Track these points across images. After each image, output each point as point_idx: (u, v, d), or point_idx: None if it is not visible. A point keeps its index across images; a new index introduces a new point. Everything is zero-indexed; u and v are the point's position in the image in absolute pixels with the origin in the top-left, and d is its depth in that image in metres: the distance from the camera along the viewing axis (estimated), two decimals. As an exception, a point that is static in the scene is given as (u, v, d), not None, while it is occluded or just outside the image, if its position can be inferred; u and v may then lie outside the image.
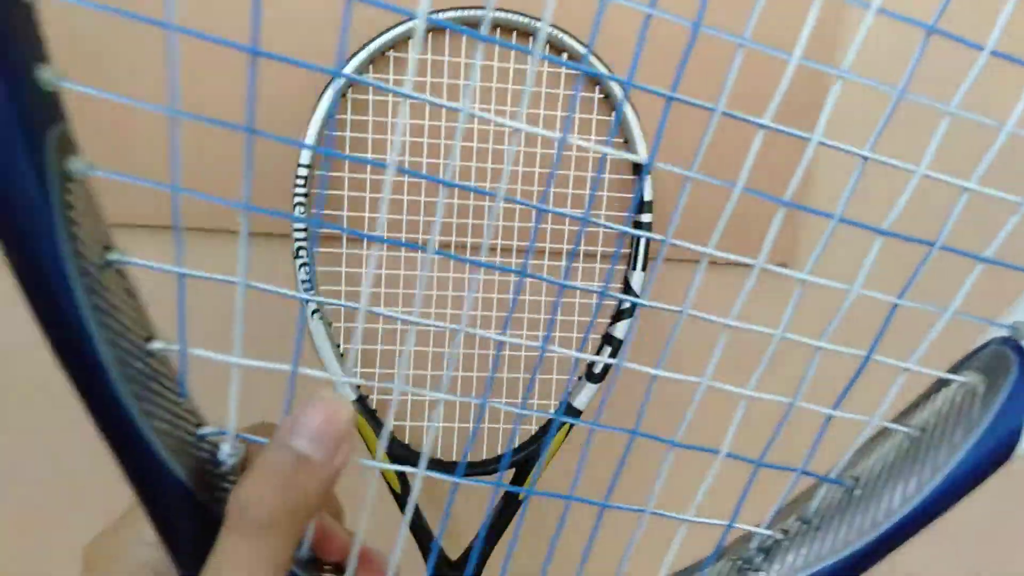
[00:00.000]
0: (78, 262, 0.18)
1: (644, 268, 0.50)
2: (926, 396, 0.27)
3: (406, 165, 0.49)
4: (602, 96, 0.50)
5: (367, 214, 0.50)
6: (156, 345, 0.21)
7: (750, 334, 0.23)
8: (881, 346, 0.24)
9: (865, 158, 0.22)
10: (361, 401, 0.48)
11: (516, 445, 0.50)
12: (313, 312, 0.47)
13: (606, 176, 0.51)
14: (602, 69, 0.48)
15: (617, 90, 0.48)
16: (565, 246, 0.52)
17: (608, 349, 0.50)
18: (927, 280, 0.24)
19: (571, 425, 0.49)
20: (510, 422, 0.52)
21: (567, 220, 0.51)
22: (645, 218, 0.49)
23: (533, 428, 0.51)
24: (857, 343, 0.24)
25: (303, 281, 0.46)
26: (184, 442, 0.21)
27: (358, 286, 0.49)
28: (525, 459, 0.50)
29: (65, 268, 0.18)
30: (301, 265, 0.46)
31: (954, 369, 0.26)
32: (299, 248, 0.46)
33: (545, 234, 0.52)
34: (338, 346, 0.48)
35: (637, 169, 0.50)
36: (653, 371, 0.24)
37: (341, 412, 0.22)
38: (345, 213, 0.49)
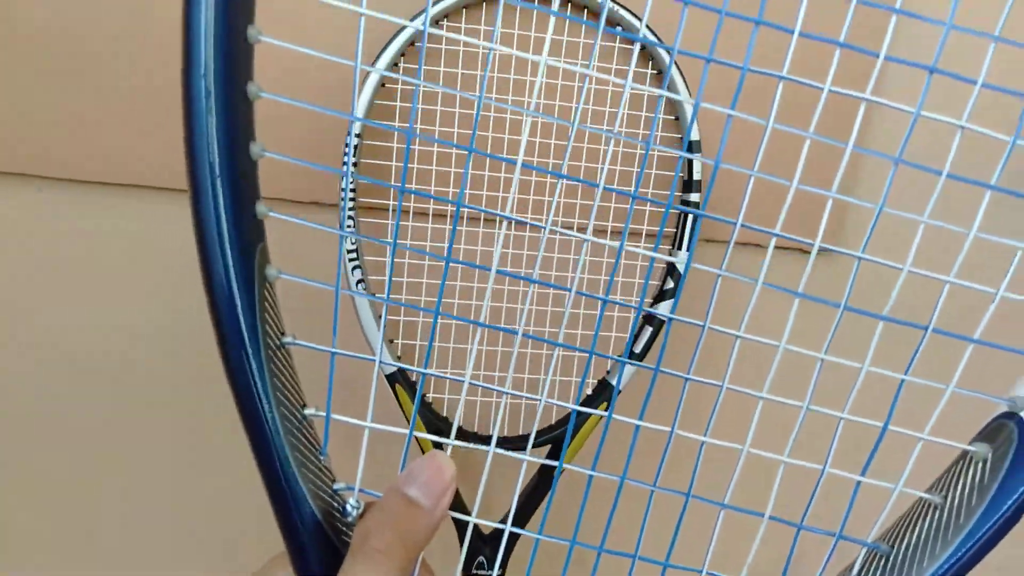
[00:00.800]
0: (266, 345, 0.25)
1: (689, 248, 0.49)
2: (954, 464, 0.30)
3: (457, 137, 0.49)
4: (655, 72, 0.49)
5: (417, 185, 0.50)
6: (308, 411, 0.27)
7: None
8: (904, 413, 0.28)
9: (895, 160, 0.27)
10: (402, 373, 0.48)
11: (552, 423, 0.50)
12: (358, 283, 0.47)
13: (655, 152, 0.50)
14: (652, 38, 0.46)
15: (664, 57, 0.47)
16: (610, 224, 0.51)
17: (649, 330, 0.50)
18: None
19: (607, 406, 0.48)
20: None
21: (614, 197, 0.51)
22: (693, 197, 0.49)
23: (569, 407, 0.51)
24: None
25: (349, 251, 0.47)
26: (321, 491, 0.27)
27: (403, 258, 0.50)
28: (561, 436, 0.49)
29: (259, 350, 0.25)
30: (346, 237, 0.46)
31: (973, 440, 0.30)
32: (348, 218, 0.47)
33: (595, 211, 0.51)
34: (380, 317, 0.47)
35: (687, 148, 0.49)
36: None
37: (446, 470, 0.27)
38: (393, 184, 0.48)
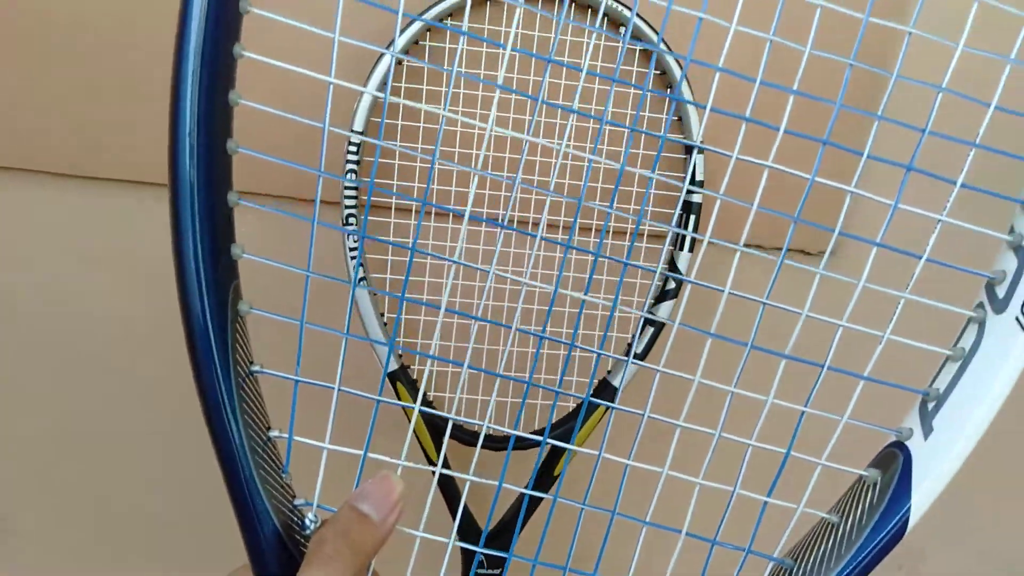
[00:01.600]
0: (236, 374, 0.28)
1: (692, 249, 0.51)
2: (851, 487, 0.34)
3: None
4: (659, 72, 0.50)
5: (415, 183, 0.51)
6: (272, 433, 0.30)
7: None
8: (817, 441, 0.32)
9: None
10: (403, 370, 0.50)
11: (553, 421, 0.50)
12: (360, 280, 0.48)
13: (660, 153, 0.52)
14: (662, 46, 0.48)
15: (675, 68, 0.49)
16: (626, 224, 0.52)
17: (650, 330, 0.51)
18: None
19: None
20: (548, 398, 0.53)
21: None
22: (696, 197, 0.50)
23: (571, 405, 0.52)
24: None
25: (351, 249, 0.48)
26: (283, 506, 0.30)
27: (404, 256, 0.48)
28: (562, 436, 0.50)
29: (230, 378, 0.28)
30: (350, 233, 0.48)
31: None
32: (348, 216, 0.48)
33: (595, 212, 0.53)
34: (382, 315, 0.50)
35: (689, 149, 0.51)
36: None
37: (395, 489, 0.30)
38: (395, 182, 0.50)
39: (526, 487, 0.33)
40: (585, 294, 0.32)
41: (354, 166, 0.48)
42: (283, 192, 0.53)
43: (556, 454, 0.50)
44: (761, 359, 0.31)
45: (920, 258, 0.31)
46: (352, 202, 0.49)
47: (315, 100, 0.29)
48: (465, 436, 0.48)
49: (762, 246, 0.50)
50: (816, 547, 0.33)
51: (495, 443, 0.48)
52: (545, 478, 0.51)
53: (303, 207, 0.54)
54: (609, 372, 0.53)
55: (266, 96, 0.27)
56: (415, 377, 0.52)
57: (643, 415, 0.32)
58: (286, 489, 0.30)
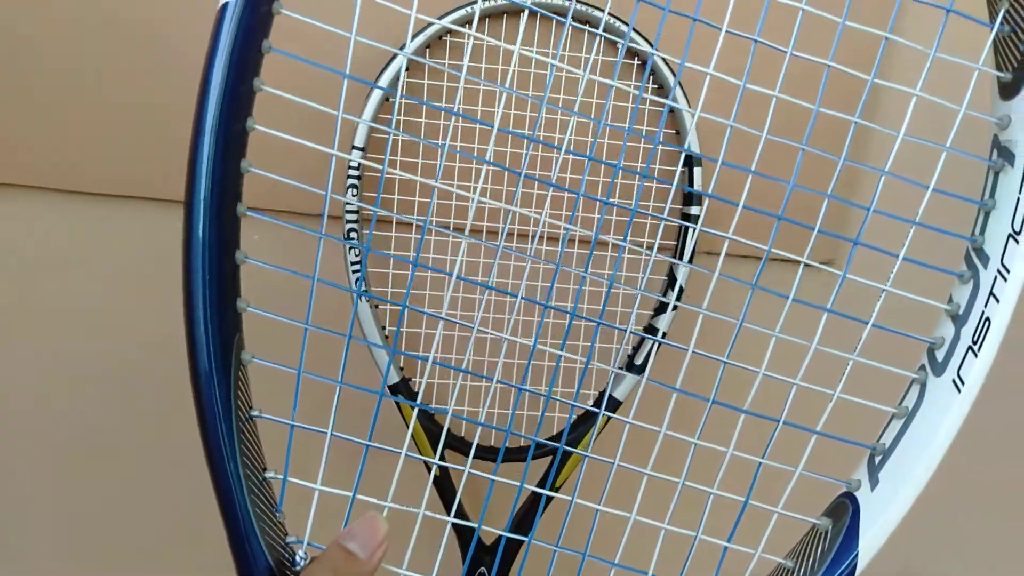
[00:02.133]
0: (237, 419, 0.30)
1: (691, 260, 0.50)
2: (806, 535, 0.36)
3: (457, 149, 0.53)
4: (656, 86, 0.53)
5: (417, 198, 0.53)
6: (269, 474, 0.32)
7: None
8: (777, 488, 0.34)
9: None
10: (404, 383, 0.52)
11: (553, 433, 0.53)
12: (361, 293, 0.50)
13: (656, 166, 0.53)
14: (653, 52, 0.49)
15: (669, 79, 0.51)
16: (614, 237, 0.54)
17: (649, 342, 0.52)
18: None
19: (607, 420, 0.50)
20: (550, 410, 0.55)
21: (615, 210, 0.53)
22: (694, 210, 0.52)
23: (572, 417, 0.54)
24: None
25: (352, 263, 0.49)
26: (275, 542, 0.32)
27: (406, 269, 0.52)
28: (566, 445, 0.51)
29: (231, 422, 0.30)
30: (351, 247, 0.50)
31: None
32: (350, 230, 0.50)
33: (592, 224, 0.55)
34: (383, 327, 0.52)
35: (687, 161, 0.52)
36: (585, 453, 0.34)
37: (381, 529, 0.32)
38: (396, 197, 0.52)
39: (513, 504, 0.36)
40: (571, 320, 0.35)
41: (355, 181, 0.50)
42: (288, 207, 0.54)
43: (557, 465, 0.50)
44: (725, 411, 0.34)
45: (867, 323, 0.34)
46: (353, 216, 0.51)
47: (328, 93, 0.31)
48: (460, 445, 0.50)
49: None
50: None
51: (488, 453, 0.50)
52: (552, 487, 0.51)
53: (308, 221, 0.55)
54: (611, 384, 0.54)
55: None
56: (416, 390, 0.53)
57: (613, 463, 0.35)
58: (279, 527, 0.33)
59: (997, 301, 0.32)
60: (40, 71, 0.55)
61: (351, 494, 0.33)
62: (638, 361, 0.54)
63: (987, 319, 0.32)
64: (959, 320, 0.34)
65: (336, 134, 0.32)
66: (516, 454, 0.53)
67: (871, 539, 0.33)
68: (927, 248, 0.34)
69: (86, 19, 0.54)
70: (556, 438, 0.54)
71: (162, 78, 0.54)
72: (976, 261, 0.34)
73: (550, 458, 0.51)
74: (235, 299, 0.31)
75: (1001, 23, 0.33)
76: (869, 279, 0.33)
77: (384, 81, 0.50)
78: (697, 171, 0.52)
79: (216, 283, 0.29)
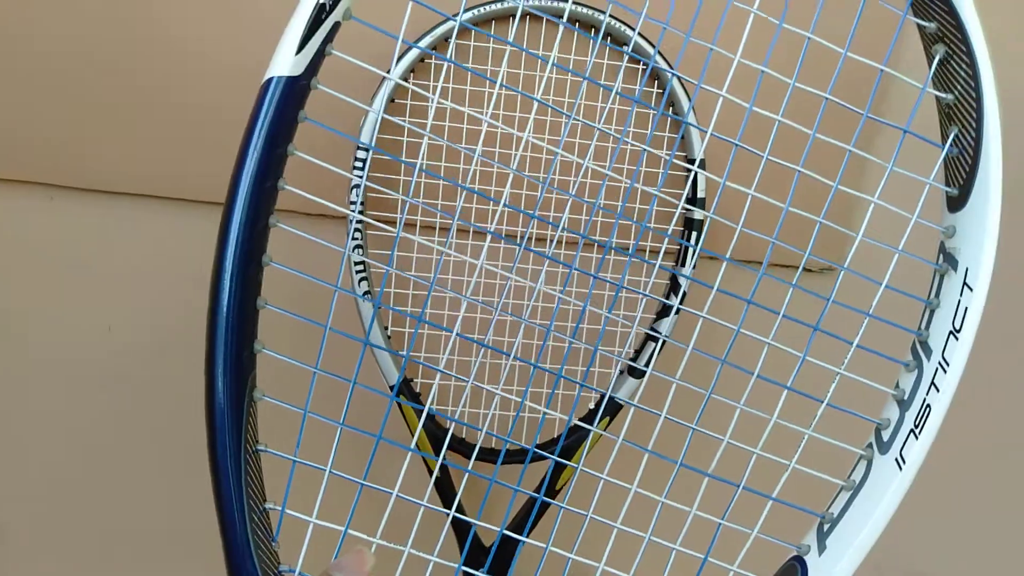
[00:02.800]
0: (245, 451, 0.33)
1: (694, 266, 0.53)
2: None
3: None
4: (659, 91, 0.54)
5: (421, 200, 0.54)
6: (267, 505, 0.35)
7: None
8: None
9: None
10: (406, 384, 0.53)
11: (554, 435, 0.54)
12: (364, 294, 0.51)
13: (661, 171, 0.55)
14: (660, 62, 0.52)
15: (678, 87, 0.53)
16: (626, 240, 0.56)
17: (652, 345, 0.53)
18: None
19: (610, 418, 0.53)
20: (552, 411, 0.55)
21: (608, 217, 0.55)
22: (697, 215, 0.53)
23: (567, 428, 0.54)
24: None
25: (356, 263, 0.50)
26: (270, 570, 0.34)
27: (409, 269, 0.53)
28: (563, 450, 0.52)
29: (239, 456, 0.33)
30: (355, 247, 0.51)
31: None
32: (355, 231, 0.51)
33: (596, 228, 0.56)
34: (386, 328, 0.53)
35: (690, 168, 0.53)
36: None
37: (367, 562, 0.35)
38: (399, 197, 0.52)
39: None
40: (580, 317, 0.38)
41: (359, 182, 0.51)
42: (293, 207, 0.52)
43: (557, 469, 0.52)
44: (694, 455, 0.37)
45: (822, 402, 0.38)
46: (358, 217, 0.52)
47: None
48: (463, 448, 0.52)
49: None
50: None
51: (490, 455, 0.51)
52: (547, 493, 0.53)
53: (310, 221, 0.55)
54: (613, 387, 0.55)
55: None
56: (419, 391, 0.56)
57: (601, 477, 0.38)
58: (273, 556, 0.35)
59: (937, 390, 0.36)
60: (51, 69, 0.56)
61: (343, 528, 0.35)
62: (640, 364, 0.55)
63: (928, 406, 0.36)
64: (904, 405, 0.38)
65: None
66: (516, 456, 0.52)
67: (816, 600, 0.36)
68: (881, 338, 0.37)
69: (98, 16, 0.56)
70: (558, 439, 0.54)
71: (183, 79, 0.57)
72: (921, 353, 0.38)
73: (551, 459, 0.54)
74: (252, 340, 0.34)
75: (950, 146, 0.37)
76: (827, 363, 0.37)
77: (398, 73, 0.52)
78: (701, 177, 0.54)
79: (236, 331, 0.32)
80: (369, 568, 0.35)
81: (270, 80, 0.33)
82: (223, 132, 0.53)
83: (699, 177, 0.53)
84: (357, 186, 0.52)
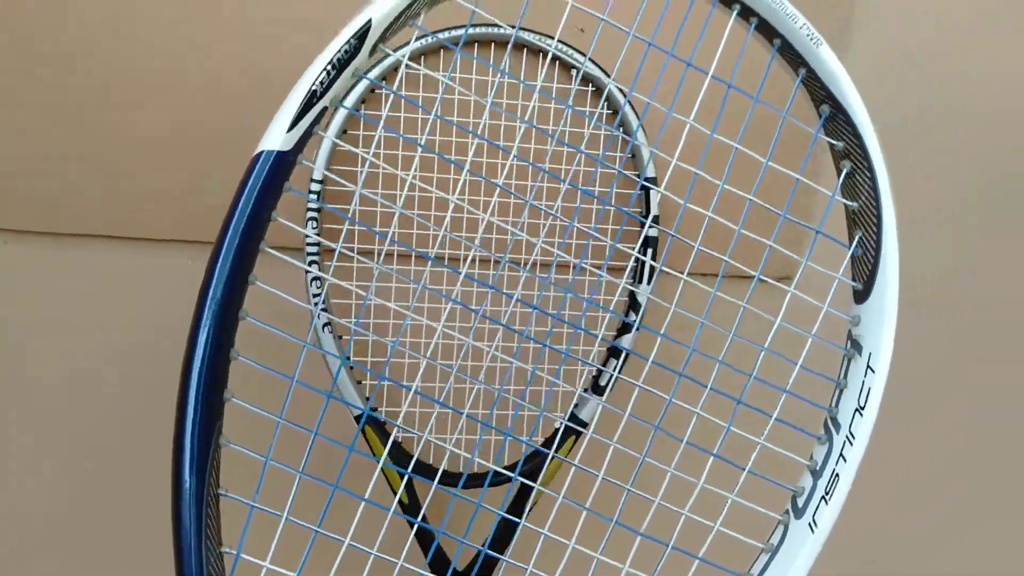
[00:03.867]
0: (207, 495, 0.35)
1: (650, 282, 0.54)
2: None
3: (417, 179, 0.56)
4: (611, 112, 0.56)
5: (378, 228, 0.54)
6: (223, 549, 0.36)
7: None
8: None
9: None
10: (371, 414, 0.53)
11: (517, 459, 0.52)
12: (324, 326, 0.51)
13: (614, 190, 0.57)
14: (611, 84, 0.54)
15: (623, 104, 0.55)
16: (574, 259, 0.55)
17: (614, 362, 0.54)
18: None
19: (576, 437, 0.53)
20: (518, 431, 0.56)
21: (575, 234, 0.57)
22: (652, 232, 0.54)
23: (540, 439, 0.56)
24: None
25: (314, 295, 0.51)
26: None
27: (371, 298, 0.54)
28: (529, 472, 0.53)
29: (201, 499, 0.35)
30: (313, 279, 0.51)
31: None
32: (311, 262, 0.52)
33: (552, 247, 0.57)
34: (348, 359, 0.53)
35: (645, 186, 0.55)
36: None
37: None
38: (357, 228, 0.54)
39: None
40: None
41: (315, 214, 0.53)
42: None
43: (525, 492, 0.53)
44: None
45: (743, 469, 0.41)
46: (314, 249, 0.53)
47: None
48: (426, 471, 0.52)
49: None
50: None
51: (452, 479, 0.50)
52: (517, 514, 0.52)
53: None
54: (576, 406, 0.56)
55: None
56: (383, 420, 0.56)
57: (559, 496, 0.40)
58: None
59: (845, 461, 0.40)
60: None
61: (295, 574, 0.37)
62: (603, 382, 0.56)
63: (837, 475, 0.40)
64: (816, 474, 0.42)
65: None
66: (478, 480, 0.53)
67: (737, 658, 0.39)
68: (801, 413, 0.42)
69: (53, 56, 0.57)
70: (527, 459, 0.55)
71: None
72: (832, 428, 0.42)
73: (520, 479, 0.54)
74: (223, 389, 0.36)
75: (856, 246, 0.43)
76: (751, 434, 0.41)
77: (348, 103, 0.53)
78: (654, 194, 0.56)
79: (208, 382, 0.35)
80: None
81: (260, 153, 0.36)
82: (180, 169, 0.57)
83: (652, 195, 0.55)
84: (314, 218, 0.53)
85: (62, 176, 0.59)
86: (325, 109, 0.39)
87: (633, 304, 0.55)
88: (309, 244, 0.53)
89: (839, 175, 0.44)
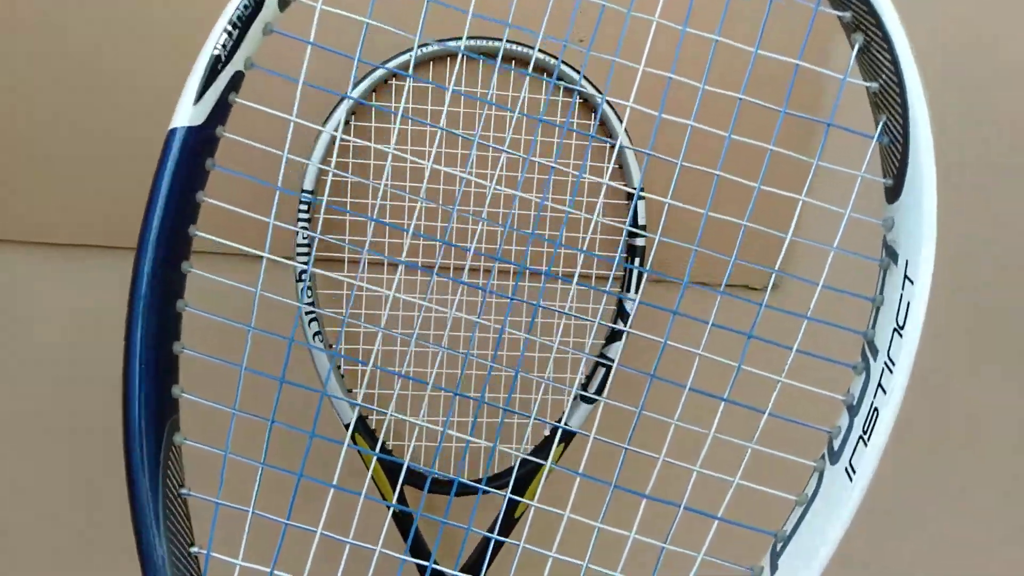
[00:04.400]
0: (165, 495, 0.33)
1: (637, 290, 0.54)
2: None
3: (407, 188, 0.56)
4: (600, 124, 0.55)
5: (368, 238, 0.51)
6: (193, 549, 0.35)
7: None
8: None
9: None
10: (361, 421, 0.53)
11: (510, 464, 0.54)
12: (315, 335, 0.52)
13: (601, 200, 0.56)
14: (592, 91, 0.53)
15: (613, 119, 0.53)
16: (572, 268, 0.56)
17: (602, 371, 0.54)
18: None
19: (565, 445, 0.53)
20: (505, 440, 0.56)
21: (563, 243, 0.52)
22: (639, 242, 0.54)
23: (530, 447, 0.55)
24: None
25: (305, 303, 0.52)
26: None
27: (359, 308, 0.55)
28: (520, 477, 0.52)
29: (158, 499, 0.33)
30: (304, 288, 0.52)
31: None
32: (301, 272, 0.52)
33: (541, 257, 0.57)
34: (339, 367, 0.54)
35: (631, 195, 0.55)
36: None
37: None
38: (347, 237, 0.54)
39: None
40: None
41: (305, 221, 0.53)
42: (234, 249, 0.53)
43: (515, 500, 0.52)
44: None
45: (763, 413, 0.36)
46: (305, 257, 0.53)
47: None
48: (417, 480, 0.51)
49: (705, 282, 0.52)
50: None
51: (443, 487, 0.50)
52: (507, 522, 0.53)
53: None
54: (564, 413, 0.55)
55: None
56: (373, 427, 0.56)
57: (531, 504, 0.36)
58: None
59: (884, 392, 0.34)
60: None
61: (269, 570, 0.35)
62: (591, 390, 0.55)
63: (876, 410, 0.34)
64: (853, 410, 0.35)
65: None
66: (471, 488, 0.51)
67: (770, 626, 0.34)
68: (833, 344, 0.35)
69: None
70: (508, 471, 0.55)
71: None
72: (869, 354, 0.36)
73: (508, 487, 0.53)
74: (171, 385, 0.34)
75: (881, 134, 0.36)
76: (775, 374, 0.35)
77: (330, 126, 0.53)
78: (640, 204, 0.55)
79: (152, 376, 0.33)
80: None
81: (172, 130, 0.34)
82: (129, 177, 0.52)
83: (639, 205, 0.54)
84: (306, 228, 0.53)
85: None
86: (241, 73, 0.36)
87: (621, 313, 0.54)
88: (300, 253, 0.53)
89: (852, 51, 0.36)
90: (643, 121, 0.39)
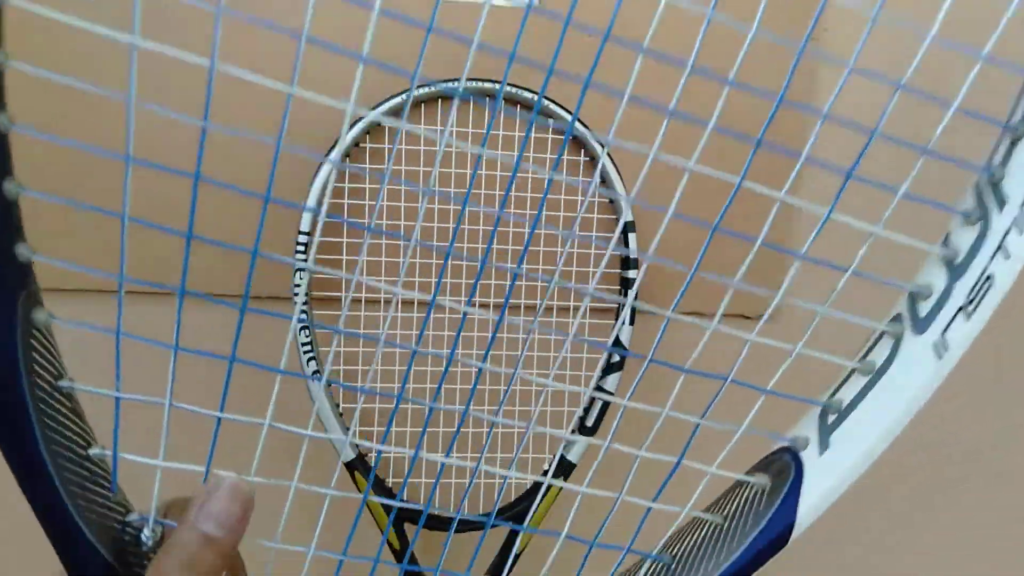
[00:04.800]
0: (34, 390, 0.23)
1: (632, 322, 0.52)
2: (733, 489, 0.33)
3: (400, 228, 0.52)
4: (587, 159, 0.54)
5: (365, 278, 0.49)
6: (93, 451, 0.26)
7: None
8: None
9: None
10: (360, 459, 0.51)
11: (510, 500, 0.54)
12: (313, 373, 0.49)
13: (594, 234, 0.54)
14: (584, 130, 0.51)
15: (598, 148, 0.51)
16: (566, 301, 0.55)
17: (599, 403, 0.53)
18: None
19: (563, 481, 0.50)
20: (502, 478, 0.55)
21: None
22: (631, 274, 0.53)
23: (528, 482, 0.54)
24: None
25: (303, 343, 0.49)
26: (112, 528, 0.26)
27: (356, 347, 0.53)
28: (518, 515, 0.52)
29: (23, 394, 0.23)
30: (302, 328, 0.49)
31: (751, 471, 0.32)
32: (301, 311, 0.49)
33: (534, 291, 0.56)
34: (337, 405, 0.51)
35: (623, 229, 0.53)
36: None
37: (240, 496, 0.26)
38: (343, 275, 0.50)
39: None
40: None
41: (303, 258, 0.49)
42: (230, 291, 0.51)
43: (514, 536, 0.51)
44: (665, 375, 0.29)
45: (846, 270, 0.28)
46: (303, 297, 0.50)
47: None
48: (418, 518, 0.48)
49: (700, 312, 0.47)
50: (695, 546, 0.32)
51: (442, 523, 0.50)
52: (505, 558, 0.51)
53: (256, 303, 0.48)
54: (565, 446, 0.53)
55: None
56: (370, 464, 0.53)
57: (522, 528, 0.29)
58: (116, 507, 0.27)
59: (1007, 257, 0.26)
60: None
61: (204, 469, 0.27)
62: (589, 423, 0.54)
63: (989, 276, 0.27)
64: (955, 271, 0.28)
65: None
66: (470, 525, 0.49)
67: (810, 508, 0.29)
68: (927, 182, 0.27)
69: None
70: (513, 504, 0.54)
71: None
72: (989, 200, 0.27)
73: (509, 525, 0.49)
74: (14, 243, 0.22)
75: None
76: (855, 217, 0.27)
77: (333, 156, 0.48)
78: (632, 236, 0.53)
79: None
80: (244, 502, 0.26)
81: None
82: None
83: (630, 237, 0.52)
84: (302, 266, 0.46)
85: None
86: None
87: (617, 344, 0.52)
88: (297, 294, 0.50)
89: None
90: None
